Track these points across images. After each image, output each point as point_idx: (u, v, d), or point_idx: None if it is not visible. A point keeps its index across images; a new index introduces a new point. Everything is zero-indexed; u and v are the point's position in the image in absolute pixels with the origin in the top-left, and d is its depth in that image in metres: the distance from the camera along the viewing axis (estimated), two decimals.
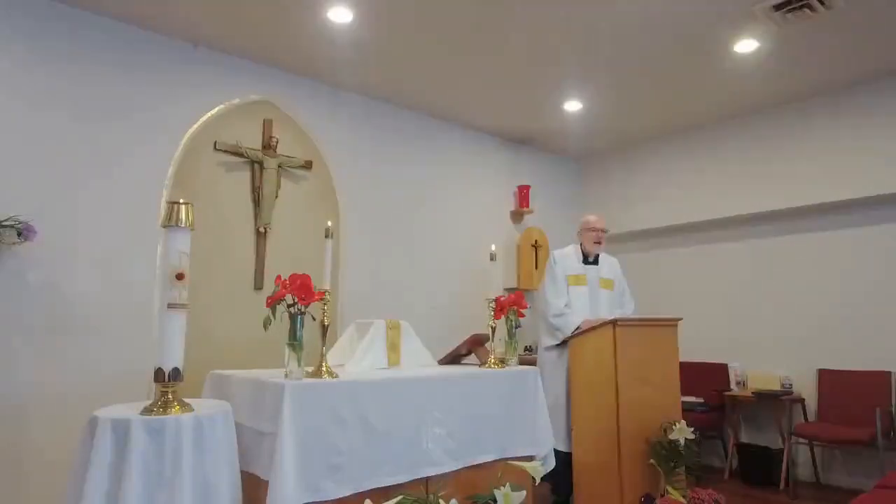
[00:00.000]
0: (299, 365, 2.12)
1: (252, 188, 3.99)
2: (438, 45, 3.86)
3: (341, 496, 2.07)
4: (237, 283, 3.85)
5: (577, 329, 3.56)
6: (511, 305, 2.99)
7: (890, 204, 4.37)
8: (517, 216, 5.71)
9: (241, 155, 3.93)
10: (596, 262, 3.93)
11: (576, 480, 3.40)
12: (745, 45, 3.84)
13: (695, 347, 4.75)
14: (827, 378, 4.52)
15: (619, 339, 3.29)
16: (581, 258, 3.90)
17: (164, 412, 1.80)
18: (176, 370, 1.87)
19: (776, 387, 4.65)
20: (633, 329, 3.39)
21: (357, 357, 2.71)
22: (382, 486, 2.18)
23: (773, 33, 3.68)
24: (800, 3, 3.32)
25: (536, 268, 5.48)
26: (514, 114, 5.08)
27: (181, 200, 1.96)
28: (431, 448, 2.39)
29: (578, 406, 3.47)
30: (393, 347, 2.81)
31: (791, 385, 4.63)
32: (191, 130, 3.74)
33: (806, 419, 4.55)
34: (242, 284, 3.88)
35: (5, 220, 2.97)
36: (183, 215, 1.93)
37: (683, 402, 3.77)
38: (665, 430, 3.23)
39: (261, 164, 3.99)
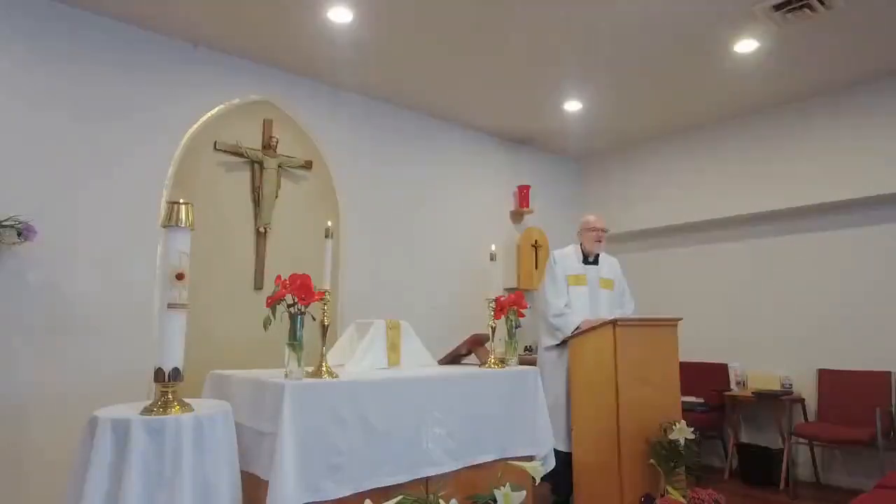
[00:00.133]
0: (299, 365, 2.12)
1: (252, 188, 3.99)
2: (438, 45, 3.86)
3: (341, 496, 2.07)
4: (237, 283, 3.85)
5: (576, 329, 3.56)
6: (511, 305, 2.99)
7: (890, 204, 4.37)
8: (517, 216, 5.71)
9: (241, 155, 3.93)
10: (596, 262, 3.93)
11: (576, 480, 3.40)
12: (745, 45, 3.84)
13: (695, 347, 4.75)
14: (827, 378, 4.52)
15: (619, 339, 3.29)
16: (581, 258, 3.90)
17: (164, 412, 1.80)
18: (176, 370, 1.87)
19: (776, 387, 4.65)
20: (633, 329, 3.39)
21: (357, 357, 2.71)
22: (382, 486, 2.18)
23: (773, 33, 3.68)
24: (800, 3, 3.32)
25: (536, 268, 5.48)
26: (514, 114, 5.08)
27: (181, 200, 1.96)
28: (431, 448, 2.39)
29: (578, 406, 3.47)
30: (393, 347, 2.81)
31: (791, 385, 4.63)
32: (191, 130, 3.74)
33: (806, 419, 4.55)
34: (242, 284, 3.88)
35: (5, 220, 2.97)
36: (183, 215, 1.94)
37: (683, 402, 3.77)
38: (665, 430, 3.23)
39: (261, 164, 3.99)
